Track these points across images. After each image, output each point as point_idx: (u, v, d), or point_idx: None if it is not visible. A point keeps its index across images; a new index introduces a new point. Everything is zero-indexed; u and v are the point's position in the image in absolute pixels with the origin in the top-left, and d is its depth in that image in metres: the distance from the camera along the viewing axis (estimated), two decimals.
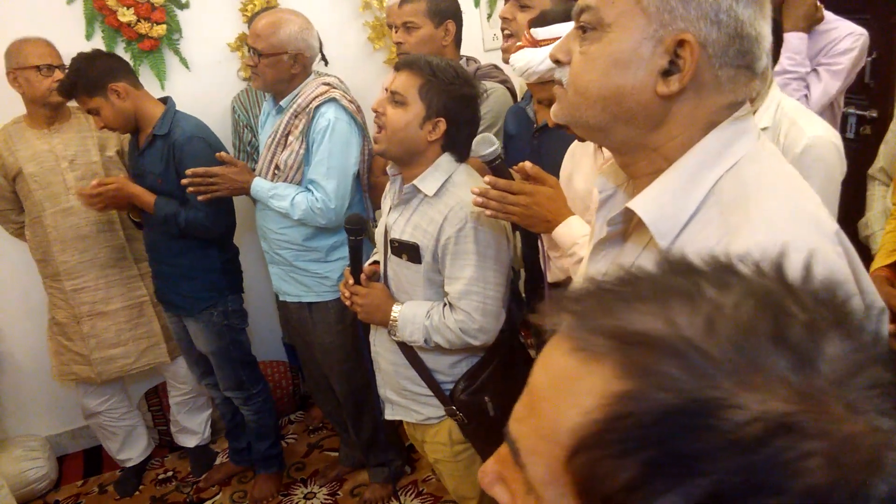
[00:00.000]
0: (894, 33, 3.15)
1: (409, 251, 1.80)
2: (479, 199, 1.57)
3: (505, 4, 2.07)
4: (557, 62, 0.93)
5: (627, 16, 0.83)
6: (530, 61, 1.62)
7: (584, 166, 1.71)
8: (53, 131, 2.67)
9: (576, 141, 1.56)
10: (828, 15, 2.57)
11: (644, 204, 0.86)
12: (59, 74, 2.52)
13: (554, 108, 0.95)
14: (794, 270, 0.44)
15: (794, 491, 0.35)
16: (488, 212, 1.57)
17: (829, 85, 2.37)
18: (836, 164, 1.75)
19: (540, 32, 1.61)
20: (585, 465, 0.40)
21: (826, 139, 1.73)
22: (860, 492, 0.36)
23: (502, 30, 2.04)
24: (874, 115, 2.94)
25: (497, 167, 1.57)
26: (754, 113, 1.80)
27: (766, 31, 0.84)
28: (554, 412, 0.43)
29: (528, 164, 1.59)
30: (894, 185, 1.89)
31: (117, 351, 2.80)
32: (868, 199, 2.41)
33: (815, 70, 2.42)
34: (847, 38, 2.41)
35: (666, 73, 0.83)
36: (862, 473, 0.36)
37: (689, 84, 0.82)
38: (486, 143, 1.57)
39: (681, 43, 0.81)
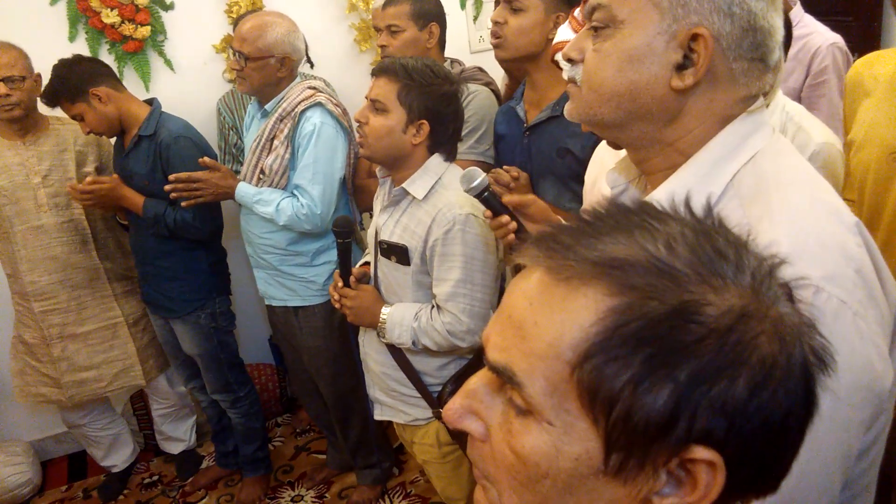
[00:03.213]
0: (877, 36, 3.19)
1: (397, 253, 1.80)
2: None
3: (495, 8, 2.04)
4: (570, 61, 0.92)
5: (640, 11, 0.83)
6: None
7: None
8: (28, 143, 2.52)
9: (603, 144, 1.53)
10: (805, 18, 2.60)
11: (663, 198, 0.86)
12: (2, 88, 2.35)
13: (568, 106, 0.94)
14: (699, 209, 0.56)
15: (752, 362, 0.47)
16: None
17: (832, 107, 2.46)
18: (840, 170, 1.77)
19: None
20: (591, 371, 0.48)
21: (832, 146, 1.74)
22: (791, 357, 0.49)
23: (493, 34, 2.01)
24: None
25: (486, 199, 1.53)
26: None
27: (778, 23, 0.85)
28: (550, 333, 0.50)
29: (507, 199, 1.55)
30: (845, 180, 1.92)
31: (89, 374, 2.69)
32: None
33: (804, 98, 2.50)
34: (823, 53, 2.48)
35: (680, 68, 0.83)
36: (791, 343, 0.49)
37: (704, 78, 0.83)
38: (468, 180, 1.52)
39: (694, 37, 0.81)
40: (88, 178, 2.39)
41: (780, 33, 0.85)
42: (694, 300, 0.47)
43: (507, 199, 1.54)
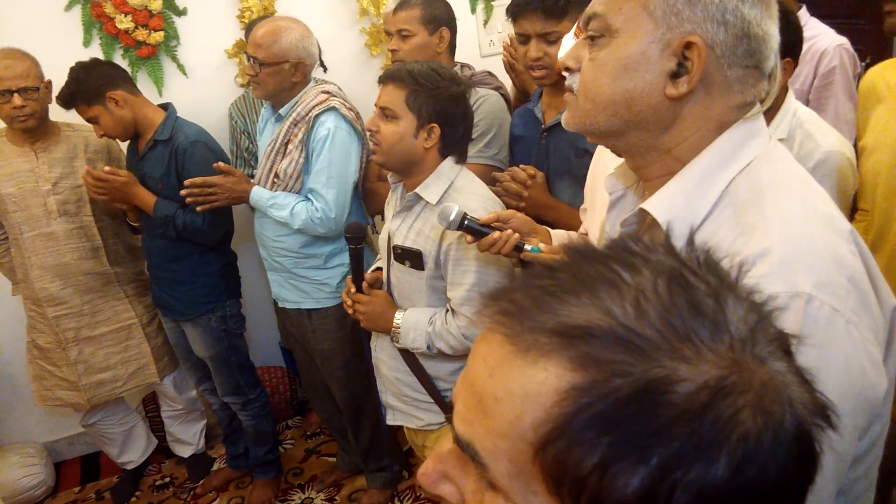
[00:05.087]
0: (889, 39, 3.19)
1: (411, 258, 1.81)
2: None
3: (527, 43, 1.95)
4: (567, 70, 0.93)
5: (635, 21, 0.84)
6: None
7: None
8: (39, 150, 2.51)
9: (602, 149, 1.52)
10: (811, 21, 2.61)
11: (659, 204, 0.87)
12: (17, 100, 2.33)
13: (565, 115, 0.95)
14: (679, 243, 0.50)
15: (731, 441, 0.41)
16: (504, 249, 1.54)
17: (839, 109, 2.45)
18: (848, 177, 1.76)
19: None
20: (554, 456, 0.43)
21: (840, 153, 1.74)
22: (780, 429, 0.43)
23: (536, 68, 1.96)
24: None
25: (468, 227, 1.55)
26: (770, 121, 1.82)
27: (773, 30, 0.85)
28: (511, 412, 0.46)
29: (484, 219, 1.56)
30: (859, 189, 1.92)
31: (106, 375, 2.71)
32: None
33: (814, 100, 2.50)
34: (830, 54, 2.49)
35: (674, 76, 0.83)
36: (779, 413, 0.43)
37: (699, 85, 0.83)
38: (444, 217, 1.55)
39: (688, 45, 0.82)
40: (106, 168, 2.40)
41: (774, 40, 0.85)
42: (664, 376, 0.42)
43: (485, 219, 1.54)
